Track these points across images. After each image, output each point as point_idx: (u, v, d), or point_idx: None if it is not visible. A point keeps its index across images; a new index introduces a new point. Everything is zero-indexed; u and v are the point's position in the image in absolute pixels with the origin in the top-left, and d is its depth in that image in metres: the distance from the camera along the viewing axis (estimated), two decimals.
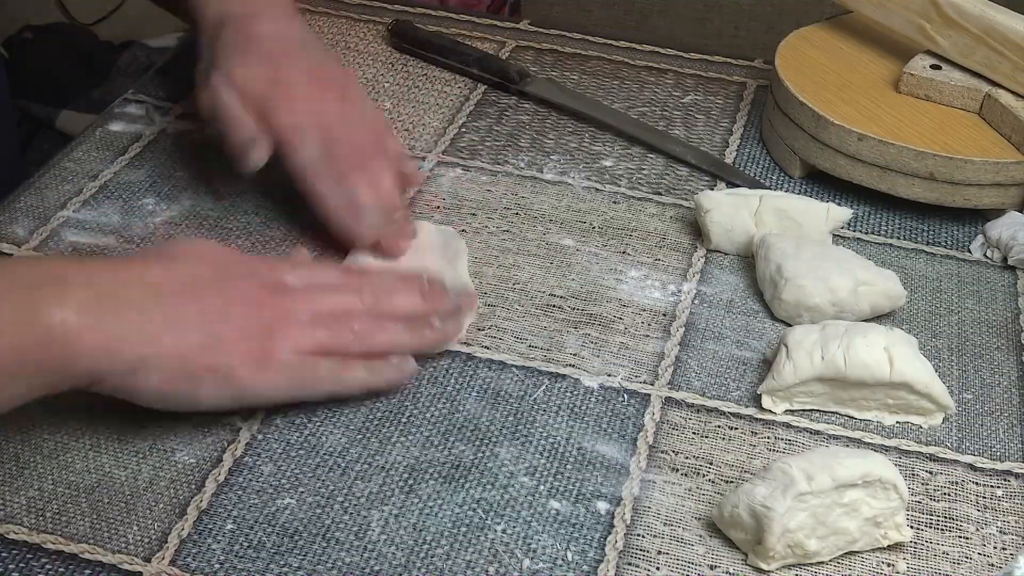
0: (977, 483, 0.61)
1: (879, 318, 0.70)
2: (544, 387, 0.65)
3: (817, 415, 0.65)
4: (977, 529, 0.59)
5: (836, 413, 0.65)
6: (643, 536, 0.58)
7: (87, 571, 0.55)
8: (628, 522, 0.58)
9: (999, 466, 0.62)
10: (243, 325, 0.60)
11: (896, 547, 0.58)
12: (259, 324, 0.61)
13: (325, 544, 0.57)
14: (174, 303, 0.59)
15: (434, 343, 0.66)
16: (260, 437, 0.62)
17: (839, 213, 0.75)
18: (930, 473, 0.62)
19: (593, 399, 0.65)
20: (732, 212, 0.74)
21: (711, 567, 0.57)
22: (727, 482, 0.60)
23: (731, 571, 0.56)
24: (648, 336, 0.69)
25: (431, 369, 0.66)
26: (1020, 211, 0.78)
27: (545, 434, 0.63)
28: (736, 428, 0.64)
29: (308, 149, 0.72)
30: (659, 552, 0.57)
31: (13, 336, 0.54)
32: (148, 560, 0.56)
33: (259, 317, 0.61)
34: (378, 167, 0.74)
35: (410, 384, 0.65)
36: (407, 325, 0.65)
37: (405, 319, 0.65)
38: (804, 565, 0.57)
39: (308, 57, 0.76)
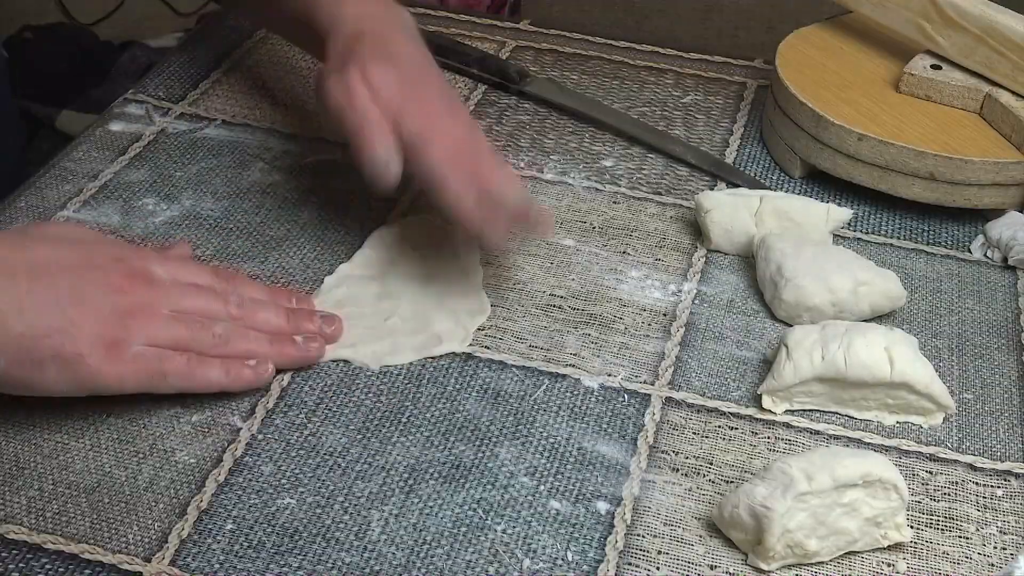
0: (977, 483, 0.61)
1: (879, 318, 0.70)
2: (544, 387, 0.65)
3: (817, 415, 0.65)
4: (977, 529, 0.59)
5: (836, 413, 0.65)
6: (643, 536, 0.58)
7: (87, 571, 0.55)
8: (628, 522, 0.58)
9: (999, 466, 0.62)
10: (98, 310, 0.59)
11: (896, 547, 0.58)
12: (115, 311, 0.59)
13: (325, 544, 0.57)
14: (25, 285, 0.58)
15: (294, 360, 0.65)
16: (260, 437, 0.62)
17: (839, 213, 0.75)
18: (930, 473, 0.62)
19: (593, 399, 0.65)
20: (732, 212, 0.74)
21: (711, 567, 0.56)
22: (727, 482, 0.60)
23: (731, 571, 0.56)
24: (648, 336, 0.69)
25: (431, 369, 0.66)
26: (1020, 211, 0.78)
27: (545, 434, 0.63)
28: (736, 428, 0.64)
29: (438, 150, 0.69)
30: (659, 552, 0.57)
31: None
32: (148, 560, 0.56)
33: (116, 303, 0.60)
34: (506, 174, 0.71)
35: (410, 384, 0.65)
36: (269, 338, 0.64)
37: (267, 333, 0.65)
38: (804, 565, 0.57)
39: (440, 81, 0.74)
